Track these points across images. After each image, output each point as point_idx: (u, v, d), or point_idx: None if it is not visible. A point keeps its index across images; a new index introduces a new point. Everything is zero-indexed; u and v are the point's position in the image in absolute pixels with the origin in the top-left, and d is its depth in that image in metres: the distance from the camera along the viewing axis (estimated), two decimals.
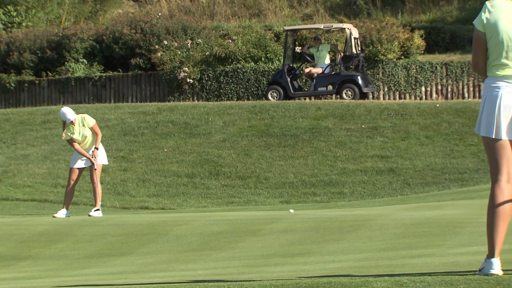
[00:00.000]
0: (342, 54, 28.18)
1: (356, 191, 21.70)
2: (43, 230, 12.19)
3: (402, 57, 29.67)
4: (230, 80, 29.79)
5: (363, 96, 27.80)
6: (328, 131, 24.55)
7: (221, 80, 29.84)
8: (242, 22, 33.84)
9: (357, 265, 7.95)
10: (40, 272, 9.40)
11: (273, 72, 29.15)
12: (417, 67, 29.36)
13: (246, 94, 29.66)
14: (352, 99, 27.36)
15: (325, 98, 28.19)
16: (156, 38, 30.19)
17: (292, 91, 28.09)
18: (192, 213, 15.46)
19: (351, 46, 27.99)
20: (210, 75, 29.73)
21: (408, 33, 29.60)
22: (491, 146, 6.29)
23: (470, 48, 30.76)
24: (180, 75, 29.35)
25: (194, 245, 10.55)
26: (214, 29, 31.65)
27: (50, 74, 30.69)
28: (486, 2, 6.53)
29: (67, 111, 14.89)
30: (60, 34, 31.05)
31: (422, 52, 29.81)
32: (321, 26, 29.26)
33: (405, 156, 23.01)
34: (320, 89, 28.09)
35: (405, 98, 29.16)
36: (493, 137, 6.27)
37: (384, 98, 29.19)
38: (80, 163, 14.74)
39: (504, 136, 6.27)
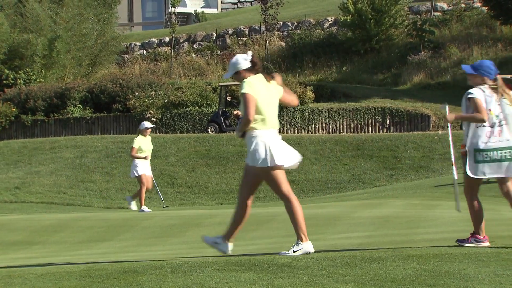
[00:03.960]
0: None
1: (268, 196, 21.70)
2: (49, 224, 11.90)
3: (299, 104, 29.89)
4: (182, 119, 29.64)
5: None
6: None
7: (176, 119, 29.67)
8: (190, 79, 33.77)
9: (268, 247, 7.94)
10: (47, 253, 9.17)
11: (211, 114, 29.11)
12: (309, 111, 29.61)
13: (193, 129, 29.53)
14: None
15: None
16: (130, 90, 29.95)
17: (224, 127, 28.06)
18: (155, 211, 15.27)
19: None
20: (168, 115, 29.56)
21: (303, 88, 29.88)
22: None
23: (344, 99, 31.22)
24: (147, 115, 29.16)
25: (155, 233, 10.41)
26: (171, 84, 31.54)
27: (56, 114, 30.14)
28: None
29: (147, 123, 13.90)
30: (63, 87, 30.58)
31: (312, 101, 30.10)
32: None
33: (301, 171, 23.13)
34: None
35: (301, 132, 29.36)
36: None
37: (287, 133, 29.34)
38: (144, 170, 13.67)
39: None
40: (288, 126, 29.74)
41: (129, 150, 13.99)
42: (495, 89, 6.58)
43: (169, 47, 38.66)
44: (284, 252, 6.21)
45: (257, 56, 37.19)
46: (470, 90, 6.56)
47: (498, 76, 6.64)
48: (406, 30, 34.97)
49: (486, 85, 6.56)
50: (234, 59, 6.52)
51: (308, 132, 29.43)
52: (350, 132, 28.90)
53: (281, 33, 38.37)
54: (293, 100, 6.65)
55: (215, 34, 39.21)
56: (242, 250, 7.52)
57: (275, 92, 6.51)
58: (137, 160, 13.72)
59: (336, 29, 37.15)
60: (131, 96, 29.72)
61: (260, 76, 6.43)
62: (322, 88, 31.51)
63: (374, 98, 30.59)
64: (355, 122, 29.00)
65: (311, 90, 30.12)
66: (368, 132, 28.59)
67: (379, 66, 34.60)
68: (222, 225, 10.68)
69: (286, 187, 6.39)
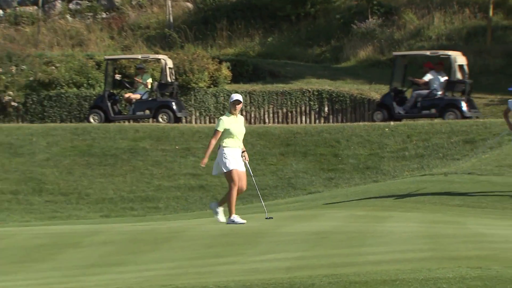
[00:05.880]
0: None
1: (170, 206, 21.67)
2: None
3: (212, 85, 29.96)
4: (54, 104, 29.19)
5: (177, 120, 27.88)
6: (146, 151, 24.44)
7: (45, 103, 29.19)
8: (65, 51, 33.26)
9: (169, 273, 7.92)
10: None
11: (94, 97, 28.78)
12: (225, 95, 29.70)
13: (69, 117, 29.13)
14: (167, 122, 27.38)
15: (143, 122, 28.06)
16: None
17: (112, 115, 27.81)
18: (15, 228, 14.98)
19: (166, 75, 28.03)
20: (34, 99, 29.05)
21: (216, 65, 29.94)
22: None
23: (270, 79, 31.47)
24: (4, 98, 28.54)
25: (16, 257, 10.21)
26: (38, 56, 30.99)
27: None
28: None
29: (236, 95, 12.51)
30: None
31: (229, 81, 30.21)
32: (139, 56, 29.17)
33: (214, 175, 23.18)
34: (138, 113, 27.96)
35: (214, 122, 29.42)
36: None
37: (196, 122, 29.35)
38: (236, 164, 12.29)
39: None
40: (198, 114, 29.76)
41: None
42: None
43: (36, 7, 37.91)
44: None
45: (157, 21, 37.11)
46: None
47: None
48: None
49: None
50: None
51: None
52: (277, 123, 29.16)
53: None
54: None
55: None
56: (135, 278, 7.48)
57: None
58: (225, 149, 12.45)
59: None
60: None
61: None
62: (242, 64, 31.65)
63: (308, 78, 30.98)
64: (284, 110, 29.31)
65: (228, 67, 30.24)
66: (301, 123, 28.93)
67: (315, 37, 35.04)
68: (107, 245, 10.59)
69: None
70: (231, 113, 12.56)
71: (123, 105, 28.80)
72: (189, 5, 37.58)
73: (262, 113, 29.65)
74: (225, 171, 12.46)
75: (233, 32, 35.37)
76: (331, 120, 28.94)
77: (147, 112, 27.85)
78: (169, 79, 28.05)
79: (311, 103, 29.32)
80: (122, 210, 21.50)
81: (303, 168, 22.90)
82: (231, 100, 12.58)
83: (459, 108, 26.14)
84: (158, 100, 27.86)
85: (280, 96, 29.53)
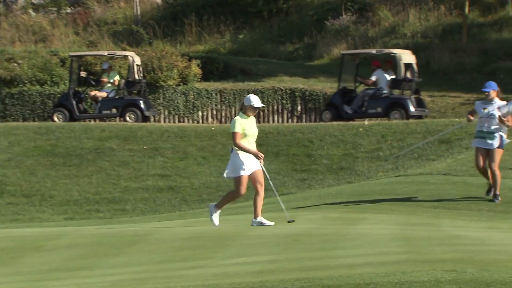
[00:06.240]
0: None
1: (138, 208, 21.62)
2: None
3: (181, 83, 29.93)
4: (16, 102, 29.04)
5: (145, 119, 27.81)
6: (112, 151, 24.36)
7: (7, 102, 29.03)
8: (28, 47, 33.07)
9: (136, 277, 7.91)
10: None
11: (59, 95, 28.65)
12: (195, 93, 29.69)
13: (32, 115, 28.98)
14: (135, 121, 27.31)
15: (109, 121, 27.97)
16: None
17: (77, 114, 27.71)
18: None
19: (133, 72, 27.97)
20: None
21: (186, 62, 29.93)
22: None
23: (242, 77, 31.49)
24: None
25: None
26: None
27: None
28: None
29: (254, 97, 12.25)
30: None
31: (199, 79, 30.21)
32: (105, 53, 29.06)
33: (183, 175, 23.17)
34: (104, 112, 27.86)
35: (184, 121, 29.40)
36: None
37: (164, 121, 29.31)
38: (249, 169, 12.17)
39: None
40: (167, 113, 29.71)
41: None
42: None
43: None
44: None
45: (124, 17, 36.98)
46: None
47: None
48: None
49: None
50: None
51: (193, 122, 29.50)
52: None
53: None
54: None
55: None
56: (100, 283, 7.46)
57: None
58: (239, 153, 12.25)
59: None
60: None
61: None
62: (212, 62, 31.66)
63: (281, 76, 31.04)
64: None
65: (198, 65, 30.22)
66: (273, 122, 29.00)
67: (288, 33, 35.12)
68: (71, 248, 10.55)
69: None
70: (245, 114, 12.34)
71: (88, 104, 28.69)
72: (158, 0, 37.51)
73: (233, 112, 29.66)
74: (235, 175, 12.42)
75: (203, 28, 35.36)
76: (304, 120, 29.04)
77: (114, 110, 27.76)
78: (136, 77, 27.98)
79: (284, 101, 29.39)
80: (87, 212, 21.41)
81: (275, 169, 22.93)
82: (252, 104, 12.28)
83: (405, 107, 26.47)
84: (125, 98, 27.78)
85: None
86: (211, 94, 29.82)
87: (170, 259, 9.07)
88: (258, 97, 12.64)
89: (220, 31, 35.36)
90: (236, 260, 8.58)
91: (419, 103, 27.01)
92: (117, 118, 27.93)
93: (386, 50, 28.06)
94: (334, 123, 25.98)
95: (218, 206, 12.85)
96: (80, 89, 28.37)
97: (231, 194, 12.74)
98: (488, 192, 15.34)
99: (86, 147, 24.54)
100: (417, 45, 32.82)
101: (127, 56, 28.40)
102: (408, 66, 27.00)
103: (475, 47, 32.33)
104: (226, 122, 29.16)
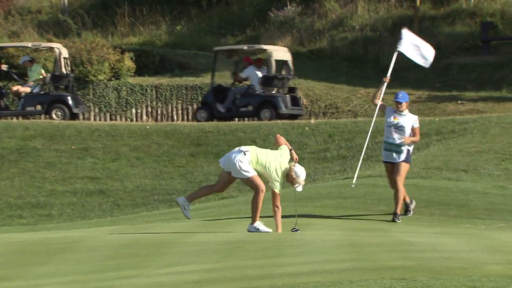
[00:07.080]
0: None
1: (65, 213, 21.47)
2: None
3: (113, 78, 29.78)
4: None
5: (74, 116, 27.59)
6: (37, 151, 24.14)
7: None
8: None
9: None
10: None
11: None
12: (128, 89, 29.57)
13: None
14: (62, 119, 27.08)
15: (34, 118, 27.69)
16: None
17: None
18: None
19: (60, 66, 27.71)
20: None
21: (118, 55, 29.79)
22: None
23: (179, 71, 31.44)
24: None
25: None
26: None
27: None
28: None
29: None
30: None
31: (133, 74, 30.10)
32: (29, 44, 28.77)
33: (115, 177, 23.06)
34: (28, 108, 27.57)
35: (116, 119, 29.26)
36: None
37: (95, 119, 29.14)
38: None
39: None
40: (97, 110, 29.54)
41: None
42: None
43: None
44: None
45: (50, 5, 36.66)
46: None
47: None
48: None
49: None
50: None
51: (126, 120, 29.37)
52: (187, 120, 29.15)
53: None
54: None
55: None
56: None
57: None
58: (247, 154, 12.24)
59: None
60: None
61: None
62: (147, 55, 31.56)
63: (221, 71, 31.03)
64: (195, 106, 29.31)
65: (131, 58, 30.10)
66: (213, 120, 29.01)
67: (229, 25, 35.17)
68: None
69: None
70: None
71: (10, 99, 28.38)
72: None
73: (169, 109, 29.60)
74: (248, 176, 12.41)
75: (136, 19, 35.23)
76: (246, 118, 29.09)
77: (39, 107, 27.50)
78: (64, 71, 27.75)
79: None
80: (9, 218, 21.19)
81: (215, 171, 22.95)
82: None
83: (275, 105, 26.88)
84: (51, 94, 27.54)
85: (190, 91, 29.53)
86: (146, 90, 29.72)
87: (101, 269, 9.04)
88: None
89: (155, 22, 35.27)
90: (172, 269, 8.59)
91: (294, 102, 27.37)
92: (42, 116, 27.67)
93: (257, 46, 28.39)
94: (279, 121, 26.10)
95: (189, 199, 12.33)
96: (1, 84, 28.06)
97: (254, 198, 12.59)
98: (407, 212, 14.95)
99: (7, 147, 24.28)
100: (366, 38, 33.14)
101: (53, 48, 28.16)
102: (283, 63, 27.36)
103: (427, 41, 32.69)
104: (162, 121, 29.09)
